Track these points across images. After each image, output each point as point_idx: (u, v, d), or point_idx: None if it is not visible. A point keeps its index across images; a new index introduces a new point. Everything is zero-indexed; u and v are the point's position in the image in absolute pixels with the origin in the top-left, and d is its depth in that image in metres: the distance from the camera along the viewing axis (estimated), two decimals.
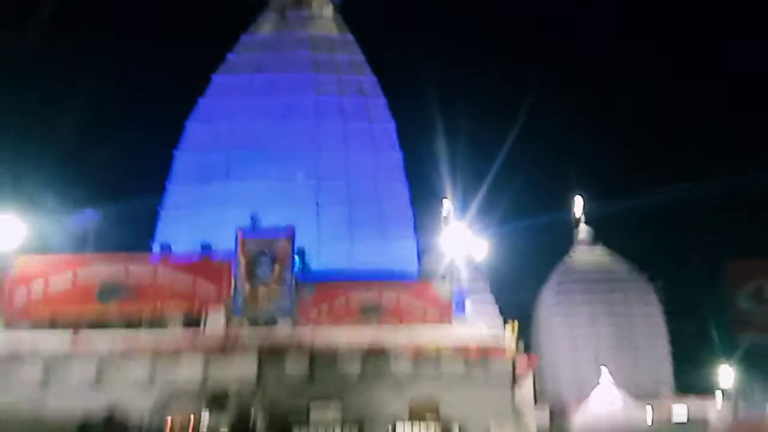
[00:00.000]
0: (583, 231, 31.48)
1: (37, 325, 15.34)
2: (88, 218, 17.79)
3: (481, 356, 14.86)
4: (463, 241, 17.15)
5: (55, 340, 14.43)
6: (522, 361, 15.90)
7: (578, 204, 31.54)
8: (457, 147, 24.36)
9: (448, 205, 28.77)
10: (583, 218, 31.76)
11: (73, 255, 16.00)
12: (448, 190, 21.63)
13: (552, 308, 29.47)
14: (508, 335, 15.28)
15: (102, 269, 15.44)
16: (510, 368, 14.96)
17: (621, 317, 28.55)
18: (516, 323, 15.94)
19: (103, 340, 14.50)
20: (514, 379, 15.38)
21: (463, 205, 19.02)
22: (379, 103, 22.80)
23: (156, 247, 19.58)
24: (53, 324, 15.42)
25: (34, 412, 12.64)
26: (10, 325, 15.13)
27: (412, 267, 21.40)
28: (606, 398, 24.91)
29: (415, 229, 22.07)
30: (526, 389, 17.26)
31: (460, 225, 17.61)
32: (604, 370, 25.79)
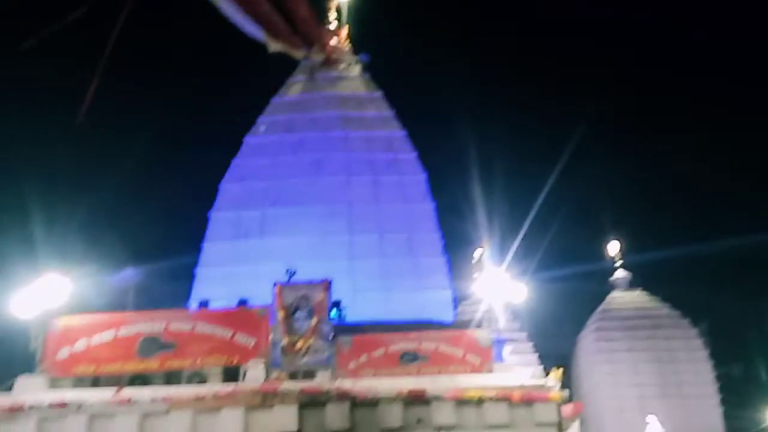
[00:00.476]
0: (621, 275, 31.06)
1: (80, 382, 15.57)
2: (127, 278, 18.23)
3: (526, 403, 14.56)
4: (500, 286, 17.06)
5: (98, 397, 14.58)
6: (567, 408, 15.58)
7: (615, 248, 31.24)
8: (493, 193, 24.61)
9: (480, 253, 28.82)
10: (620, 262, 31.40)
11: (114, 313, 16.29)
12: (484, 237, 21.67)
13: (592, 355, 28.83)
14: (552, 381, 15.01)
15: (142, 326, 15.67)
16: (556, 415, 14.60)
17: (665, 363, 27.77)
18: (561, 370, 15.69)
19: (144, 395, 14.60)
20: (561, 427, 15.01)
21: (500, 251, 19.02)
22: (409, 157, 23.28)
23: (194, 305, 19.92)
24: (96, 381, 15.65)
25: None
26: (54, 383, 15.35)
27: (448, 315, 21.35)
28: None
29: (450, 277, 22.14)
30: None
31: (497, 270, 17.54)
32: (652, 418, 24.96)
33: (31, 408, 14.32)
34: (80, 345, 15.46)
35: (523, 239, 22.57)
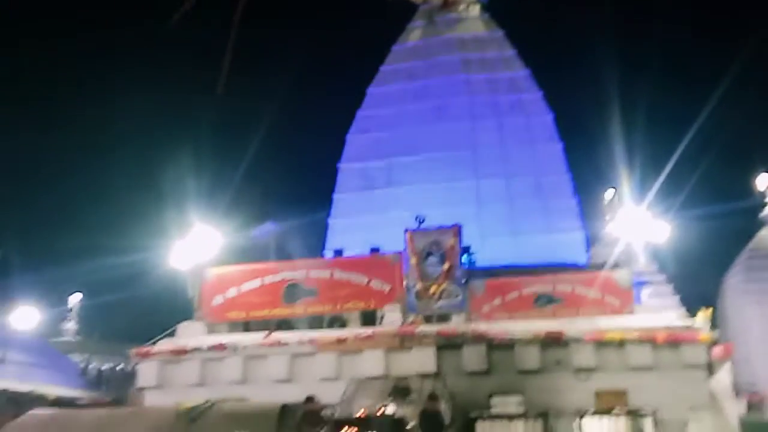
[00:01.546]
0: None
1: (233, 327, 16.85)
2: (268, 231, 19.25)
3: (672, 344, 14.03)
4: (640, 225, 16.33)
5: (251, 339, 15.73)
6: (717, 350, 14.85)
7: (765, 182, 28.79)
8: (629, 130, 23.35)
9: (612, 193, 27.66)
10: None
11: (259, 263, 17.32)
12: (621, 175, 20.66)
13: (742, 296, 27.02)
14: (701, 322, 14.32)
15: (286, 274, 16.59)
16: (705, 356, 13.98)
17: None
18: (710, 310, 14.93)
19: (292, 338, 15.57)
20: (711, 369, 14.37)
21: (640, 190, 18.09)
22: (534, 97, 22.54)
23: (329, 254, 20.73)
24: (246, 325, 16.87)
25: (239, 405, 13.76)
26: (210, 328, 16.70)
27: (581, 257, 20.84)
28: None
29: (582, 219, 21.49)
30: (723, 380, 16.09)
31: (636, 209, 16.76)
32: None
33: (193, 350, 15.74)
34: (232, 292, 16.69)
35: (664, 177, 21.30)
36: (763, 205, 29.31)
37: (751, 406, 22.99)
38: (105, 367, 25.26)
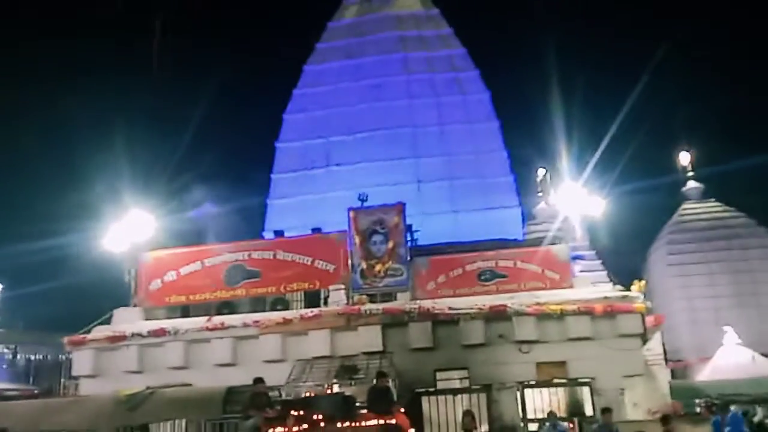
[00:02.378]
0: (693, 186, 30.11)
1: (172, 311, 16.37)
2: (207, 213, 18.72)
3: (609, 315, 14.54)
4: (577, 201, 16.79)
5: (192, 324, 15.32)
6: (649, 319, 15.50)
7: (686, 159, 30.20)
8: (563, 108, 23.92)
9: (544, 171, 28.38)
10: (692, 173, 30.40)
11: (199, 246, 16.85)
12: (558, 152, 21.14)
13: (665, 268, 28.39)
14: (635, 293, 14.89)
15: (227, 256, 16.21)
16: (640, 326, 14.56)
17: (741, 273, 27.16)
18: (643, 282, 15.53)
19: (235, 321, 15.26)
20: (644, 338, 14.99)
21: (576, 166, 18.57)
22: (471, 75, 22.71)
23: (269, 235, 20.38)
24: (186, 310, 16.42)
25: (182, 390, 13.42)
26: (148, 313, 16.17)
27: (518, 233, 21.28)
28: (732, 357, 23.82)
29: (518, 196, 21.93)
30: (654, 348, 16.85)
31: (574, 185, 17.22)
32: (728, 329, 24.64)
33: (131, 336, 15.21)
34: (170, 276, 16.18)
35: (598, 154, 21.92)
36: (685, 181, 30.83)
37: (676, 373, 24.31)
38: (33, 357, 24.17)
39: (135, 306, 16.24)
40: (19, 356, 23.66)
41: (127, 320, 15.87)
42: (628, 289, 15.59)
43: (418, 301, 15.48)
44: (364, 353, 14.83)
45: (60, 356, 22.33)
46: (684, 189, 30.50)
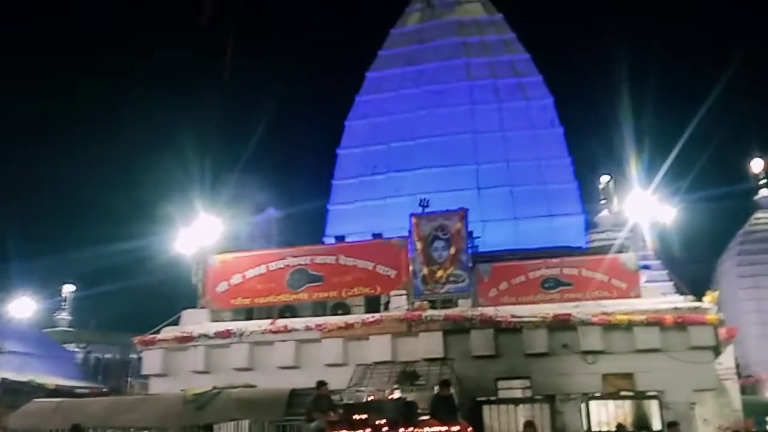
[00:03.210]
0: (765, 195, 28.89)
1: (237, 313, 16.72)
2: (270, 217, 19.08)
3: (679, 326, 14.07)
4: (647, 209, 16.32)
5: (257, 326, 15.61)
6: (722, 332, 14.93)
7: (759, 166, 28.99)
8: (633, 114, 23.36)
9: (607, 179, 27.76)
10: (765, 181, 29.17)
11: (263, 250, 17.17)
12: (626, 158, 20.61)
13: (736, 279, 27.32)
14: (708, 304, 14.36)
15: (290, 260, 16.45)
16: (712, 337, 14.03)
17: None
18: (716, 293, 14.98)
19: (298, 324, 15.46)
20: (716, 350, 14.44)
21: (645, 174, 18.06)
22: (534, 81, 22.43)
23: (330, 240, 20.58)
24: (250, 312, 16.75)
25: (247, 391, 13.68)
26: (214, 315, 16.56)
27: (581, 241, 20.86)
28: None
29: (582, 203, 21.50)
30: (726, 361, 16.21)
31: (643, 193, 16.74)
32: None
33: (198, 337, 15.60)
34: (236, 279, 16.54)
35: (669, 161, 21.28)
36: (757, 189, 29.60)
37: (746, 388, 23.31)
38: (103, 356, 25.07)
39: (202, 308, 16.65)
40: (90, 355, 24.59)
41: (194, 321, 16.29)
42: (699, 300, 15.07)
43: (479, 308, 15.35)
44: (425, 359, 14.79)
45: (128, 356, 23.09)
46: (756, 197, 29.31)
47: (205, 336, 15.60)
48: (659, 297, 15.30)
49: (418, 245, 16.28)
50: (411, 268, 16.20)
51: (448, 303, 16.12)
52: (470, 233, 17.61)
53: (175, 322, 16.58)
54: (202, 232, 16.66)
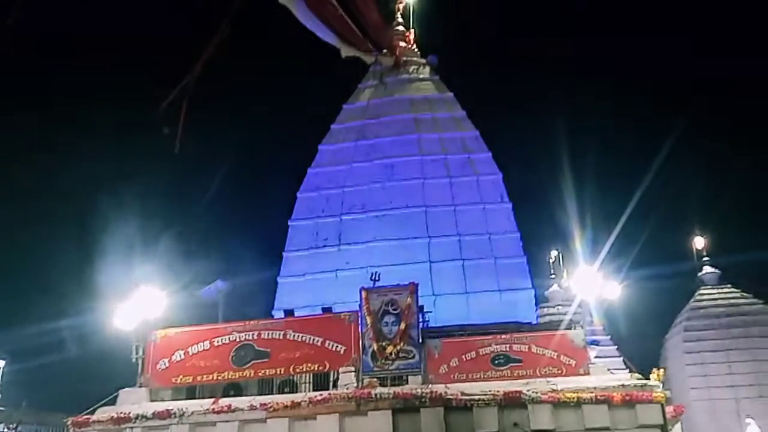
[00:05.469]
0: (710, 271, 29.74)
1: (177, 392, 15.97)
2: (216, 290, 18.61)
3: (628, 404, 14.05)
4: (593, 284, 16.56)
5: (197, 406, 14.91)
6: (669, 409, 14.96)
7: (701, 243, 29.97)
8: (574, 192, 24.05)
9: (556, 254, 28.22)
10: (707, 259, 30.10)
11: (208, 325, 16.63)
12: (573, 234, 21.09)
13: (681, 355, 27.67)
14: (654, 381, 14.44)
15: (236, 336, 15.96)
16: (660, 416, 14.03)
17: (762, 362, 26.39)
18: (662, 371, 15.11)
19: (242, 403, 14.84)
20: (664, 429, 14.41)
21: (590, 249, 18.44)
22: (483, 157, 22.95)
23: (278, 314, 20.13)
24: (191, 391, 16.03)
25: None
26: (154, 394, 15.78)
27: (531, 316, 20.93)
28: None
29: (531, 278, 21.69)
30: None
31: (589, 268, 17.03)
32: (750, 421, 23.74)
33: (136, 418, 14.79)
34: (178, 356, 15.89)
35: (612, 237, 21.82)
36: (701, 266, 30.48)
37: None
38: None
39: (141, 386, 15.88)
40: None
41: (132, 401, 15.49)
42: (646, 377, 15.15)
43: (430, 386, 15.06)
44: None
45: None
46: (700, 274, 30.15)
47: (143, 417, 14.80)
48: (607, 374, 15.34)
49: (368, 320, 16.04)
50: (361, 343, 15.90)
51: (398, 380, 15.80)
52: (421, 308, 17.47)
53: (112, 402, 15.74)
54: (143, 306, 16.07)
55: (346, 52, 23.42)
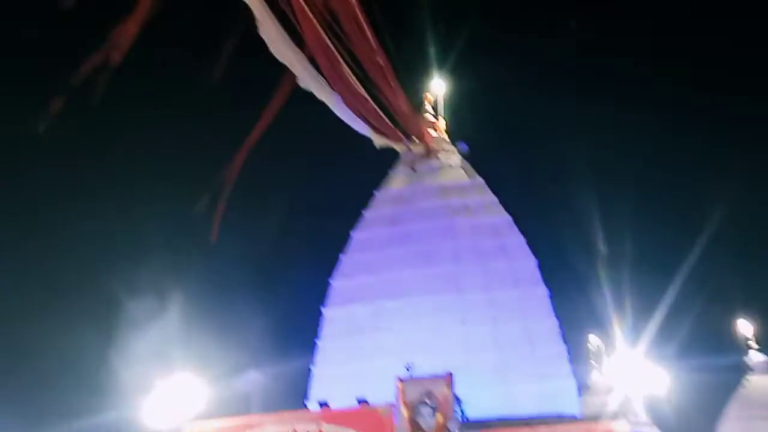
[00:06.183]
0: (756, 359, 28.50)
1: None
2: (250, 380, 18.39)
3: None
4: (637, 373, 15.96)
5: None
6: None
7: (748, 329, 28.90)
8: (611, 277, 23.66)
9: (596, 341, 27.43)
10: (755, 345, 28.92)
11: (243, 417, 16.34)
12: (612, 320, 20.60)
13: None
14: None
15: (271, 428, 15.61)
16: None
17: None
18: None
19: None
20: None
21: (631, 334, 17.91)
22: (517, 242, 22.84)
23: (313, 405, 19.71)
24: None
25: None
26: None
27: (573, 407, 20.15)
28: None
29: (572, 366, 21.03)
30: None
31: (630, 355, 16.47)
32: None
33: None
34: None
35: (644, 321, 21.24)
36: (747, 352, 29.22)
37: None
38: None
39: None
40: None
41: None
42: None
43: None
44: None
45: None
46: (747, 360, 28.89)
47: None
48: None
49: (405, 412, 15.65)
50: None
51: None
52: (458, 399, 17.03)
53: None
54: (176, 398, 15.87)
55: (378, 141, 23.94)
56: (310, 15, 18.43)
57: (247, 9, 17.18)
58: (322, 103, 22.81)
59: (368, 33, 20.03)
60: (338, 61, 20.45)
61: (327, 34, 20.31)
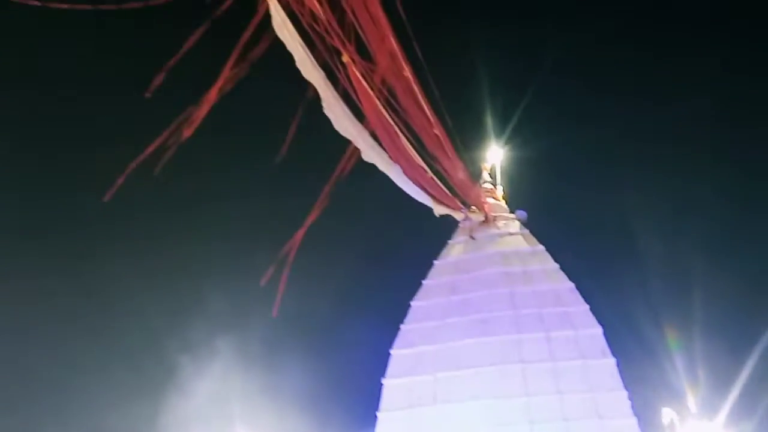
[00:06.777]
0: None
1: None
2: None
3: None
4: None
5: None
6: None
7: None
8: (680, 344, 22.70)
9: (669, 414, 26.08)
10: None
11: None
12: (684, 390, 19.67)
13: None
14: None
15: None
16: None
17: None
18: None
19: None
20: None
21: (708, 408, 16.98)
22: (580, 310, 22.32)
23: None
24: None
25: None
26: None
27: None
28: None
29: None
30: None
31: (709, 428, 15.60)
32: None
33: None
34: None
35: (721, 393, 20.16)
36: None
37: None
38: None
39: None
40: None
41: None
42: None
43: None
44: None
45: None
46: None
47: None
48: None
49: None
50: None
51: None
52: None
53: None
54: None
55: (438, 210, 24.11)
56: (370, 92, 19.10)
57: (312, 88, 17.95)
58: (385, 176, 23.26)
59: (425, 106, 20.55)
60: (397, 134, 20.98)
61: (386, 109, 20.95)
